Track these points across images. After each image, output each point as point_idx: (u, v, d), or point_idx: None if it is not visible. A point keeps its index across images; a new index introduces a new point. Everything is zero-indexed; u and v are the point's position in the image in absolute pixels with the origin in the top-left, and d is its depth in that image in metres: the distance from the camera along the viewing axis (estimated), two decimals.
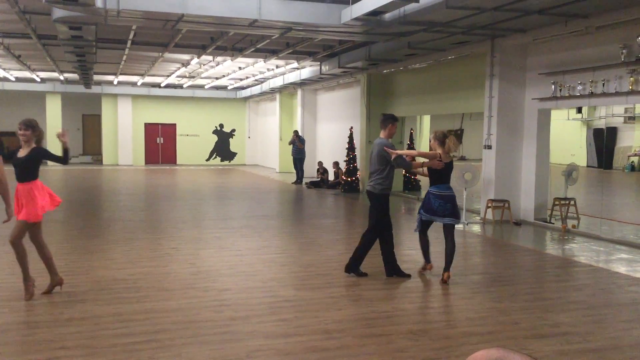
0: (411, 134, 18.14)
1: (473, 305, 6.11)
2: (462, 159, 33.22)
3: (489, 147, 11.85)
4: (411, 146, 17.82)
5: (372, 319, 5.55)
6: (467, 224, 11.30)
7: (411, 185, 17.52)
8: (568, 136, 25.44)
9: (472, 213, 12.60)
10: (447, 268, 7.00)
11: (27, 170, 6.31)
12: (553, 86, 10.72)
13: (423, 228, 7.45)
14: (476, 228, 11.08)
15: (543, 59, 11.18)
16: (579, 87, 10.18)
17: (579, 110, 21.07)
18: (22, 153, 6.34)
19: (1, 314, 5.55)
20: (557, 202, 11.26)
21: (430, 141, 7.45)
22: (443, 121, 33.85)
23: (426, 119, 30.79)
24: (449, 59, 13.33)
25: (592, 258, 8.55)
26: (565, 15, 9.46)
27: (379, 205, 7.22)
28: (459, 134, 34.75)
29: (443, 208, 7.06)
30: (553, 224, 11.17)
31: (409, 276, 7.21)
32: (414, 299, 6.30)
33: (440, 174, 7.08)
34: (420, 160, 7.51)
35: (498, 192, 11.73)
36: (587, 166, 25.80)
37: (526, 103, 11.65)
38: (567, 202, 11.27)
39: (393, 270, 7.25)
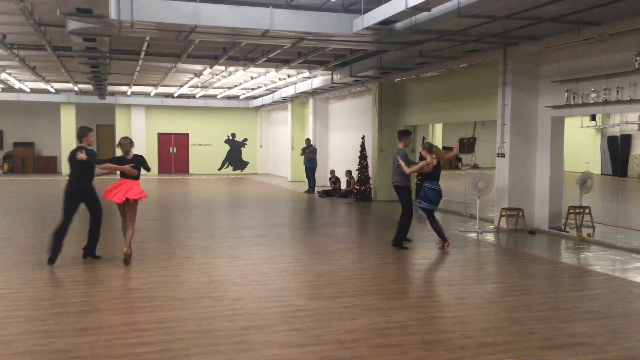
0: (423, 142, 18.05)
1: (487, 315, 6.06)
2: (475, 167, 33.09)
3: (502, 155, 11.79)
4: (422, 156, 17.75)
5: (386, 328, 5.52)
6: (481, 233, 11.23)
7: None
8: (582, 144, 25.25)
9: (485, 222, 12.52)
10: (444, 239, 9.62)
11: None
12: (566, 94, 10.66)
13: (430, 215, 9.79)
14: (490, 237, 11.01)
15: (556, 67, 11.13)
16: (593, 95, 10.11)
17: (593, 117, 20.94)
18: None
19: (17, 323, 5.59)
20: (571, 211, 11.16)
21: (421, 151, 10.44)
22: (455, 129, 33.77)
23: (438, 128, 30.76)
24: (461, 67, 13.31)
25: (608, 267, 8.46)
26: (578, 23, 9.42)
27: (409, 193, 9.86)
28: (471, 142, 34.64)
29: (437, 198, 9.84)
30: (568, 232, 11.07)
31: (406, 248, 9.58)
32: (428, 308, 6.26)
33: (433, 173, 10.00)
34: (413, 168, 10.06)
35: (512, 201, 11.65)
36: (602, 174, 25.58)
37: (539, 111, 11.59)
38: (582, 210, 11.17)
39: (397, 241, 9.64)
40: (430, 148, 10.09)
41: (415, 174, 11.15)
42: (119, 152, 8.89)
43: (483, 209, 12.23)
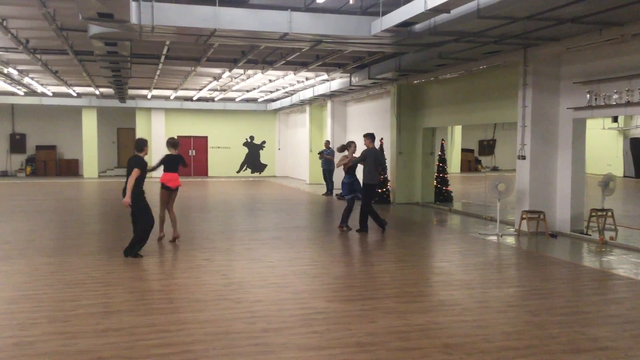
0: (442, 144, 17.99)
1: (509, 318, 6.00)
2: (495, 169, 32.83)
3: (523, 157, 11.68)
4: (443, 156, 17.71)
5: (406, 332, 5.50)
6: (502, 236, 11.13)
7: (442, 196, 17.35)
8: (604, 146, 24.93)
9: (506, 224, 12.41)
10: (344, 224, 11.82)
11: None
12: (588, 95, 10.53)
13: (353, 201, 11.90)
14: (511, 240, 10.91)
15: (577, 68, 11.00)
16: (615, 96, 9.98)
17: (615, 119, 20.66)
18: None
19: (40, 324, 5.66)
20: (593, 213, 11.02)
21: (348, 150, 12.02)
22: (475, 131, 33.62)
23: (457, 130, 30.63)
24: (481, 68, 13.22)
25: (631, 270, 8.33)
26: (600, 24, 9.31)
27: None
28: (491, 144, 34.37)
29: (347, 189, 11.93)
30: (590, 235, 10.92)
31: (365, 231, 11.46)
32: (448, 312, 6.22)
33: (351, 168, 11.87)
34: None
35: (533, 203, 11.53)
36: (624, 176, 25.23)
37: (560, 112, 11.46)
38: (604, 213, 11.01)
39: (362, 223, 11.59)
40: (343, 148, 12.16)
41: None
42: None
43: (503, 212, 12.12)
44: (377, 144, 17.83)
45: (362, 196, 11.68)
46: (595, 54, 10.52)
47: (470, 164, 33.52)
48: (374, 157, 11.59)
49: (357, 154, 12.01)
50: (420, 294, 7.04)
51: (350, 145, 11.95)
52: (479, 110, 14.41)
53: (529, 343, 5.25)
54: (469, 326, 5.71)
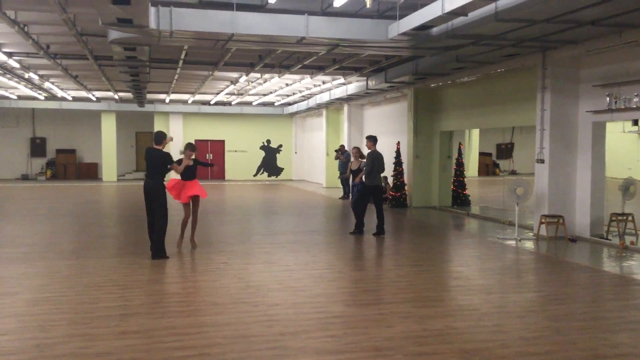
0: (460, 148, 17.89)
1: (527, 324, 5.95)
2: (513, 173, 32.56)
3: (542, 161, 11.58)
4: (460, 160, 17.62)
5: (423, 337, 5.47)
6: (520, 240, 11.03)
7: (460, 200, 17.25)
8: (624, 149, 24.60)
9: (524, 229, 12.30)
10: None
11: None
12: (608, 98, 10.41)
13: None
14: (529, 244, 10.81)
15: (597, 71, 10.89)
16: (636, 99, 9.85)
17: (635, 122, 20.39)
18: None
19: (59, 326, 5.73)
20: (614, 218, 10.88)
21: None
22: (492, 135, 33.39)
23: (475, 133, 30.44)
24: (499, 71, 13.14)
25: None
26: (619, 26, 9.20)
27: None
28: (509, 148, 34.11)
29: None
30: (610, 240, 10.78)
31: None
32: (466, 317, 6.18)
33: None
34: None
35: (552, 208, 11.42)
36: None
37: (580, 116, 11.35)
38: (625, 217, 10.87)
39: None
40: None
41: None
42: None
43: (522, 216, 12.02)
44: (393, 148, 17.95)
45: (358, 196, 11.91)
46: (615, 57, 10.41)
47: (488, 167, 33.30)
48: (377, 160, 11.68)
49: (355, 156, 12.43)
50: (438, 298, 7.01)
51: (344, 151, 12.22)
52: (497, 114, 14.32)
53: (548, 349, 5.19)
54: (487, 331, 5.67)
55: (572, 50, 10.79)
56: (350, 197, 12.33)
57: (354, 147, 12.54)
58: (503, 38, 10.29)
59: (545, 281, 8.04)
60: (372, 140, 11.98)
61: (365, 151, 12.09)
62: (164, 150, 9.37)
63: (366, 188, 11.74)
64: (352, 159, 12.37)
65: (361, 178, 11.88)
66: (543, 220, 11.23)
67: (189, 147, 10.12)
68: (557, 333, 5.64)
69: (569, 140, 11.44)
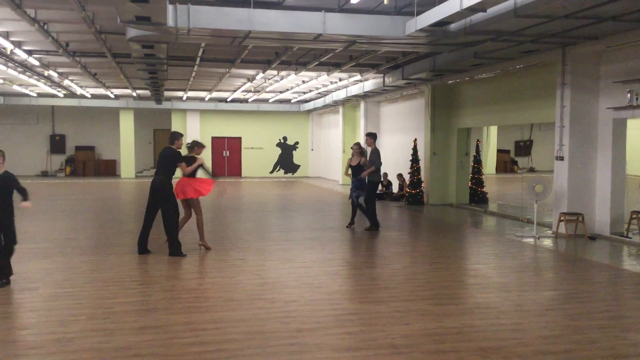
0: (477, 145, 17.76)
1: (546, 322, 5.89)
2: (532, 170, 32.26)
3: (561, 158, 11.45)
4: (478, 157, 17.49)
5: (441, 334, 5.44)
6: (539, 238, 10.92)
7: (477, 197, 17.13)
8: None
9: (543, 227, 12.18)
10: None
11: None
12: (629, 95, 10.25)
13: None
14: (548, 242, 10.70)
15: (618, 67, 10.73)
16: None
17: None
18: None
19: (79, 321, 5.80)
20: (634, 216, 10.73)
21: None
22: (511, 132, 33.09)
23: (493, 130, 30.18)
24: (517, 68, 13.02)
25: None
26: None
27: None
28: (527, 145, 33.78)
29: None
30: (630, 238, 10.64)
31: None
32: (483, 315, 6.13)
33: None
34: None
35: (571, 205, 11.29)
36: None
37: (600, 112, 11.20)
38: None
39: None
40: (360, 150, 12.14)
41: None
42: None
43: (541, 214, 11.90)
44: (410, 145, 17.88)
45: (366, 193, 11.94)
46: (636, 52, 10.25)
47: (506, 164, 33.01)
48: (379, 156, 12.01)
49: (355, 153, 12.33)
50: (455, 296, 6.97)
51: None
52: (515, 110, 14.18)
53: (567, 347, 5.14)
54: (505, 329, 5.62)
55: (593, 46, 10.65)
56: (350, 192, 12.18)
57: (355, 143, 12.43)
58: (522, 34, 10.18)
59: (564, 279, 7.96)
60: (373, 137, 12.22)
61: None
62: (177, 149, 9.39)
63: (373, 184, 11.95)
64: (352, 155, 12.21)
65: (368, 174, 11.84)
66: (562, 218, 11.12)
67: (197, 144, 9.77)
68: (577, 332, 5.58)
69: (589, 137, 11.30)
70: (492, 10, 8.75)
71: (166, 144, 9.56)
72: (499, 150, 32.03)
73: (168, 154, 9.28)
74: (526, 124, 31.91)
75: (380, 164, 11.92)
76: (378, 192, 19.21)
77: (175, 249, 9.12)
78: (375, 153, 11.93)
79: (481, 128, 19.75)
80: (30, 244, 10.14)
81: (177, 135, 9.45)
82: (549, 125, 12.65)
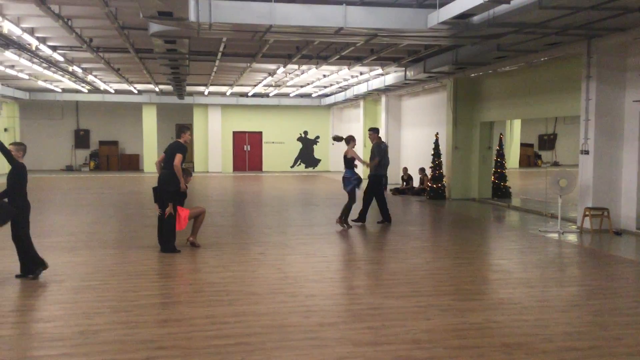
0: (500, 139, 17.56)
1: (571, 318, 5.81)
2: (556, 164, 31.84)
3: (586, 152, 11.27)
4: (501, 151, 17.31)
5: (463, 330, 5.40)
6: (563, 233, 10.78)
7: (500, 192, 16.95)
8: None
9: (568, 222, 12.01)
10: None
11: None
12: None
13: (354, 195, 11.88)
14: (573, 237, 10.55)
15: None
16: None
17: None
18: None
19: (104, 314, 5.87)
20: None
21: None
22: (534, 125, 32.68)
23: (516, 124, 29.83)
24: (542, 60, 12.82)
25: None
26: None
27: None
28: (551, 139, 33.34)
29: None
30: None
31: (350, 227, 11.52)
32: (507, 310, 6.07)
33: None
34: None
35: (596, 200, 11.12)
36: None
37: (626, 105, 10.98)
38: None
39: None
40: (339, 139, 12.44)
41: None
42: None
43: (565, 209, 11.73)
44: (431, 139, 17.75)
45: (375, 187, 12.16)
46: None
47: (529, 159, 32.62)
48: (383, 150, 12.19)
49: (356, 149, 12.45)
50: (478, 291, 6.91)
51: (350, 140, 12.06)
52: (539, 104, 13.98)
53: (593, 344, 5.06)
54: (528, 325, 5.56)
55: (619, 38, 10.44)
56: (349, 185, 12.13)
57: (349, 135, 12.23)
58: (547, 26, 10.02)
59: (589, 275, 7.84)
60: (376, 132, 12.46)
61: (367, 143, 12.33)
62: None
63: (374, 177, 12.18)
64: (348, 146, 12.07)
65: (374, 168, 12.07)
66: (587, 213, 10.95)
67: (187, 173, 9.37)
68: (602, 328, 5.49)
69: (615, 130, 11.09)
70: (516, 2, 8.62)
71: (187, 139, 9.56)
72: (522, 144, 31.65)
73: (172, 146, 9.19)
74: (550, 118, 31.47)
75: (381, 157, 11.99)
76: (399, 187, 19.28)
77: (169, 245, 8.91)
78: (378, 147, 12.06)
79: (504, 122, 19.49)
80: (55, 237, 10.30)
81: (184, 129, 9.43)
82: (574, 118, 12.46)
